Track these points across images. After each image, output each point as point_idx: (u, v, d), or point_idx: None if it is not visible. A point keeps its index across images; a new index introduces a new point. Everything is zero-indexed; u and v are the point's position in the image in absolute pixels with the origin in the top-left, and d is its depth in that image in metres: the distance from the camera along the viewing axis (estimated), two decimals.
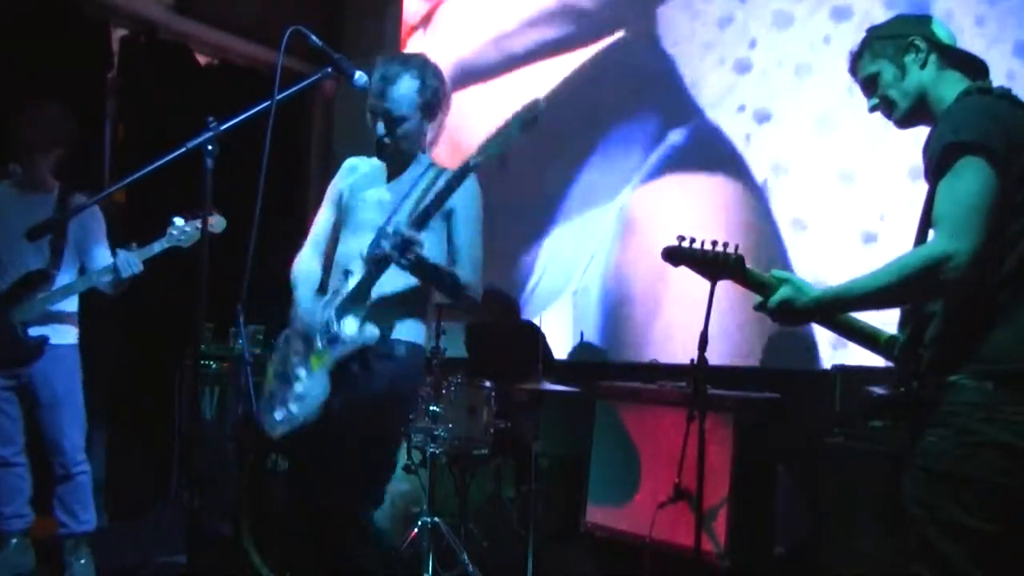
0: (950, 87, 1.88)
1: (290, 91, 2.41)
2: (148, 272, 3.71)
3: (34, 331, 3.33)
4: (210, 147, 2.05)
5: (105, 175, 4.64)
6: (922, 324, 1.85)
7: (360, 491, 2.46)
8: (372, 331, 2.36)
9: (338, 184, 2.67)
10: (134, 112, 4.79)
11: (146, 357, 4.43)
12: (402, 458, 3.57)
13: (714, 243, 2.06)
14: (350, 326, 2.37)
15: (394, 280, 2.41)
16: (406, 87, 2.45)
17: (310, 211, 5.84)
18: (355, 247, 2.46)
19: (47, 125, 3.46)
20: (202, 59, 5.15)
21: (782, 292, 1.88)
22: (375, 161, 2.65)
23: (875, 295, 1.79)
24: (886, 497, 2.82)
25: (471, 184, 2.50)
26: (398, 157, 2.57)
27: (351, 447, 2.38)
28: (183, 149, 2.05)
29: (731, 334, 3.96)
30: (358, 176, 2.64)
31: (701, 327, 3.14)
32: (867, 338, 2.02)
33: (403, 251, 2.25)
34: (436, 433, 3.39)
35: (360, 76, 2.29)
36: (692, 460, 3.12)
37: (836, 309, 1.92)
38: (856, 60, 2.03)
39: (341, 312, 2.40)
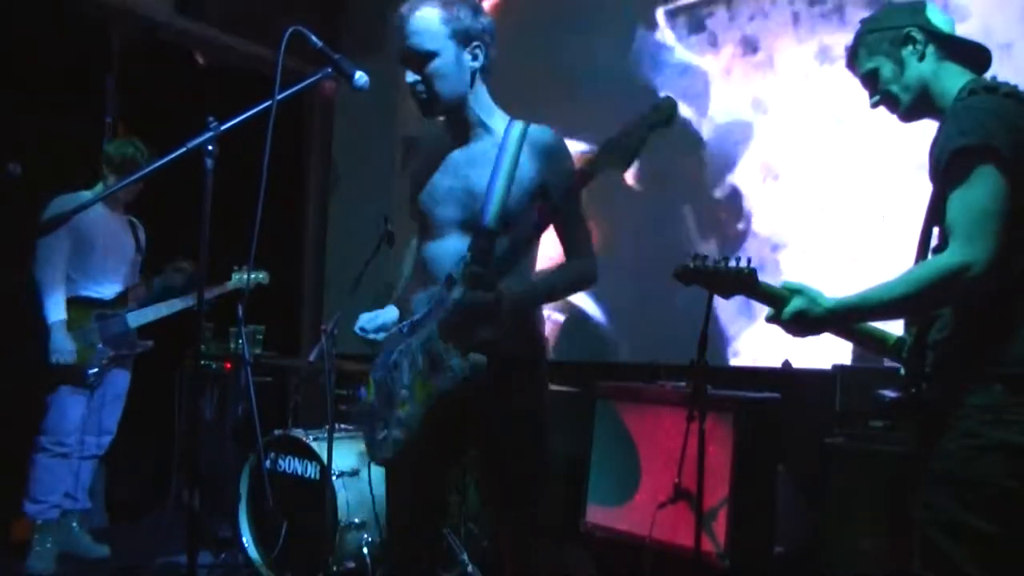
0: (952, 79, 1.85)
1: (290, 91, 2.41)
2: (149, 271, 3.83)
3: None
4: (210, 147, 2.05)
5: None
6: (926, 325, 1.85)
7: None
8: (479, 359, 1.99)
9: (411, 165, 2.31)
10: (134, 112, 4.79)
11: (146, 357, 4.43)
12: None
13: (725, 258, 1.96)
14: (451, 353, 2.00)
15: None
16: (426, 16, 2.05)
17: (310, 211, 5.89)
18: (443, 251, 2.13)
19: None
20: (202, 59, 5.15)
21: (795, 303, 1.83)
22: (436, 131, 2.24)
23: (892, 305, 1.76)
24: (886, 497, 2.82)
25: (558, 146, 2.16)
26: (460, 123, 2.16)
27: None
28: (183, 149, 2.04)
29: (731, 334, 3.96)
30: (423, 156, 2.25)
31: (701, 327, 3.15)
32: (876, 342, 2.00)
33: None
34: None
35: (360, 76, 2.28)
36: (692, 460, 3.12)
37: (851, 319, 1.89)
38: (852, 56, 1.98)
39: (445, 328, 2.03)
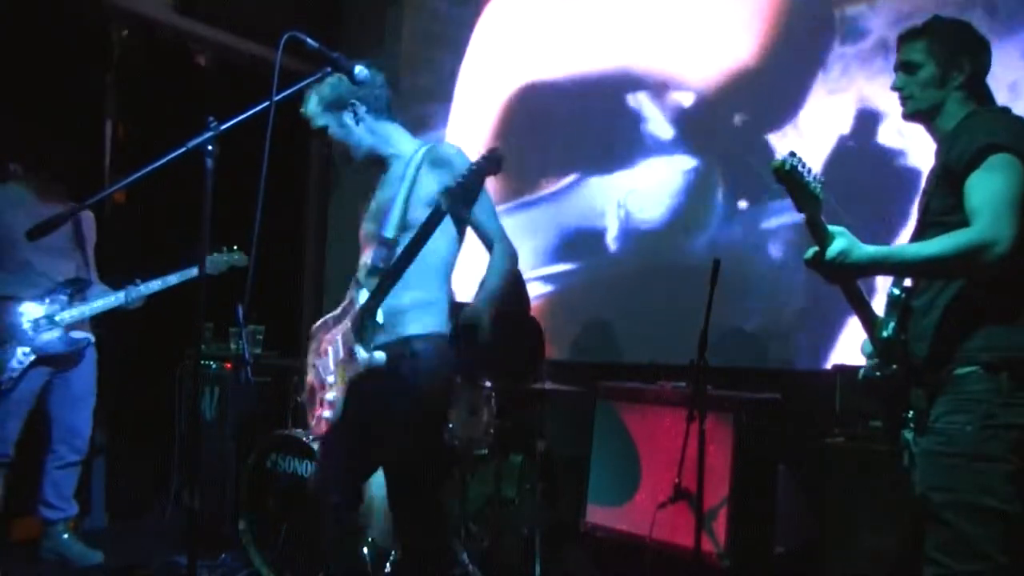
0: (957, 107, 2.04)
1: (288, 91, 2.41)
2: (147, 272, 3.78)
3: (74, 334, 3.65)
4: (210, 147, 2.05)
5: (105, 175, 4.64)
6: (905, 315, 2.03)
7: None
8: (380, 358, 2.35)
9: None
10: (134, 112, 4.79)
11: (146, 357, 4.43)
12: None
13: (809, 170, 1.95)
14: (360, 346, 2.39)
15: (399, 293, 2.41)
16: (311, 102, 2.52)
17: (310, 210, 5.89)
18: (364, 259, 2.54)
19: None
20: (202, 59, 5.15)
21: (840, 243, 1.89)
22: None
23: (921, 262, 1.88)
24: (887, 497, 2.82)
25: (455, 155, 2.49)
26: (374, 163, 2.60)
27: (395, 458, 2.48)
28: (183, 149, 2.05)
29: (731, 334, 3.95)
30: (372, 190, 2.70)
31: (701, 327, 3.15)
32: (867, 317, 2.10)
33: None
34: None
35: (360, 71, 2.28)
36: (692, 460, 3.12)
37: (885, 267, 1.97)
38: (911, 39, 2.09)
39: (358, 326, 2.42)
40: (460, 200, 2.26)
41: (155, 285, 3.65)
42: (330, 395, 2.46)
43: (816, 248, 1.92)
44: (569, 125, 4.70)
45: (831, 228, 1.92)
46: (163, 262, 3.97)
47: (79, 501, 3.86)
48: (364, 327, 2.38)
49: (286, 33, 2.19)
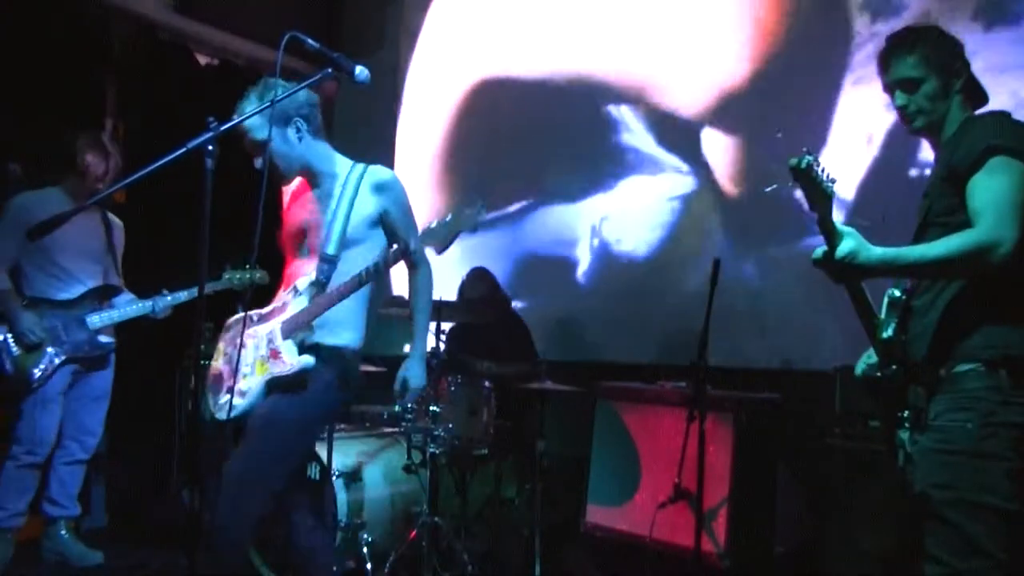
0: (958, 110, 2.07)
1: (289, 93, 2.41)
2: (146, 272, 3.78)
3: (102, 338, 3.70)
4: (210, 147, 2.05)
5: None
6: (906, 316, 2.04)
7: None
8: (308, 361, 2.45)
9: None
10: (134, 112, 4.79)
11: (146, 357, 4.43)
12: (402, 458, 3.58)
13: (823, 169, 1.97)
14: (290, 350, 2.47)
15: (337, 307, 2.51)
16: (250, 111, 2.45)
17: None
18: (296, 267, 2.62)
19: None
20: (202, 59, 5.15)
21: (848, 243, 1.91)
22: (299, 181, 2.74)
23: (927, 264, 1.89)
24: (887, 497, 2.82)
25: (394, 181, 2.65)
26: (310, 175, 2.65)
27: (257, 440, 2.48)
28: (183, 149, 2.04)
29: (731, 334, 3.96)
30: (289, 199, 2.77)
31: (701, 327, 3.16)
32: (870, 318, 2.11)
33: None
34: (436, 433, 3.39)
35: (360, 71, 2.29)
36: (692, 460, 3.12)
37: (892, 269, 1.97)
38: (899, 56, 2.09)
39: (286, 329, 2.50)
40: (434, 243, 2.40)
41: (182, 295, 3.68)
42: (244, 385, 2.52)
43: (825, 247, 1.93)
44: (540, 133, 4.66)
45: (840, 228, 1.93)
46: (163, 262, 3.98)
47: (79, 503, 3.86)
48: (297, 333, 2.49)
49: (286, 33, 2.19)
